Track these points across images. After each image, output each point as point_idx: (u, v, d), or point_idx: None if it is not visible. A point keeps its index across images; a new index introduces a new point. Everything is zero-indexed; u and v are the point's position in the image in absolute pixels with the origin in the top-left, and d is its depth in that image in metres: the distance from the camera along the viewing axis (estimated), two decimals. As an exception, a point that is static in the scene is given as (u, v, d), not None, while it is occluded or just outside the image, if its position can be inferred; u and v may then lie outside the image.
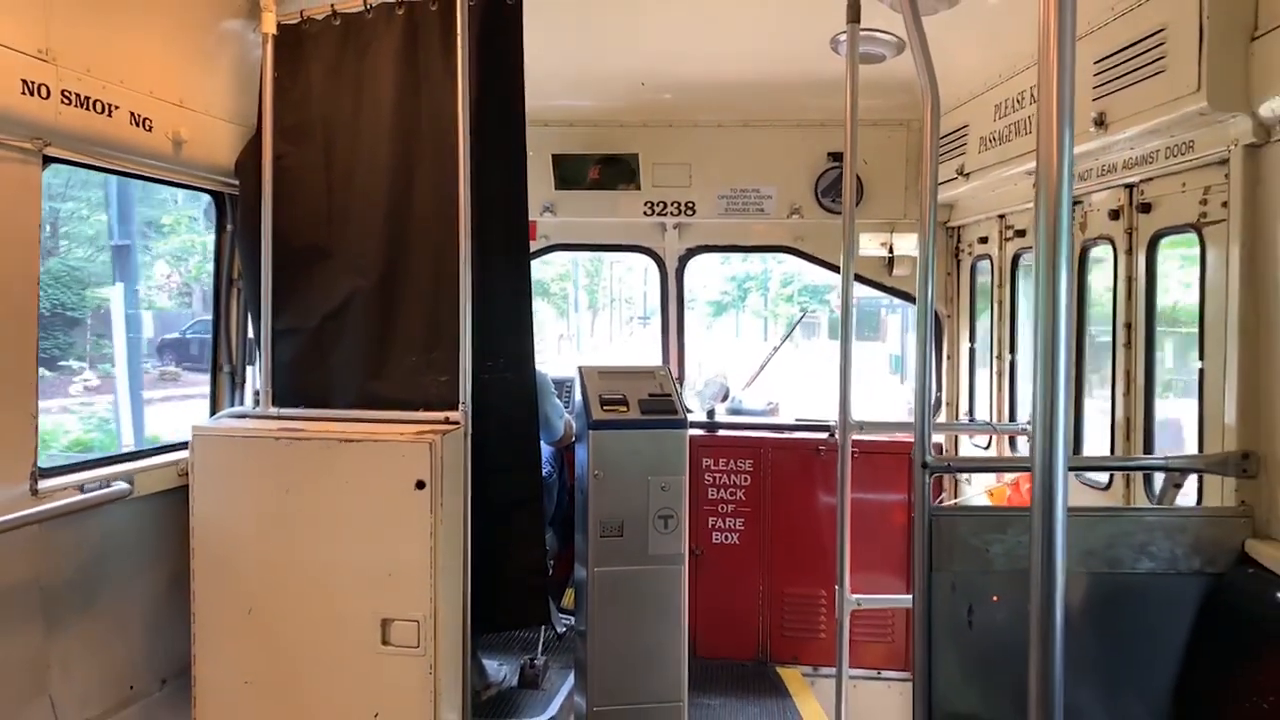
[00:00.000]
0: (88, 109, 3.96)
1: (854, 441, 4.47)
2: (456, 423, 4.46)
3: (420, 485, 4.20)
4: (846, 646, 4.40)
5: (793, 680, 6.36)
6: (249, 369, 5.36)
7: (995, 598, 3.43)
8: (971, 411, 6.42)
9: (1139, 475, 4.17)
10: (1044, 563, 1.77)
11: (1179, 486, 3.59)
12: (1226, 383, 3.44)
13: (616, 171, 6.78)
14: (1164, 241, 4.08)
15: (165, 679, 4.70)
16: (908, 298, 6.94)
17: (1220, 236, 3.53)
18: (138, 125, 4.25)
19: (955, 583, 3.42)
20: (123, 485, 4.29)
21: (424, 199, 4.76)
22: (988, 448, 6.05)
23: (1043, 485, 1.78)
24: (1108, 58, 3.84)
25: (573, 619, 5.80)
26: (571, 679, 5.72)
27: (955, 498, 6.00)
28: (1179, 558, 3.36)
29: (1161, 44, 3.55)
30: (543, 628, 5.92)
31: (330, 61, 4.89)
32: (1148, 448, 4.15)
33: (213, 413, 5.26)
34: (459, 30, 4.45)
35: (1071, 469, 4.57)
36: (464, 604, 4.51)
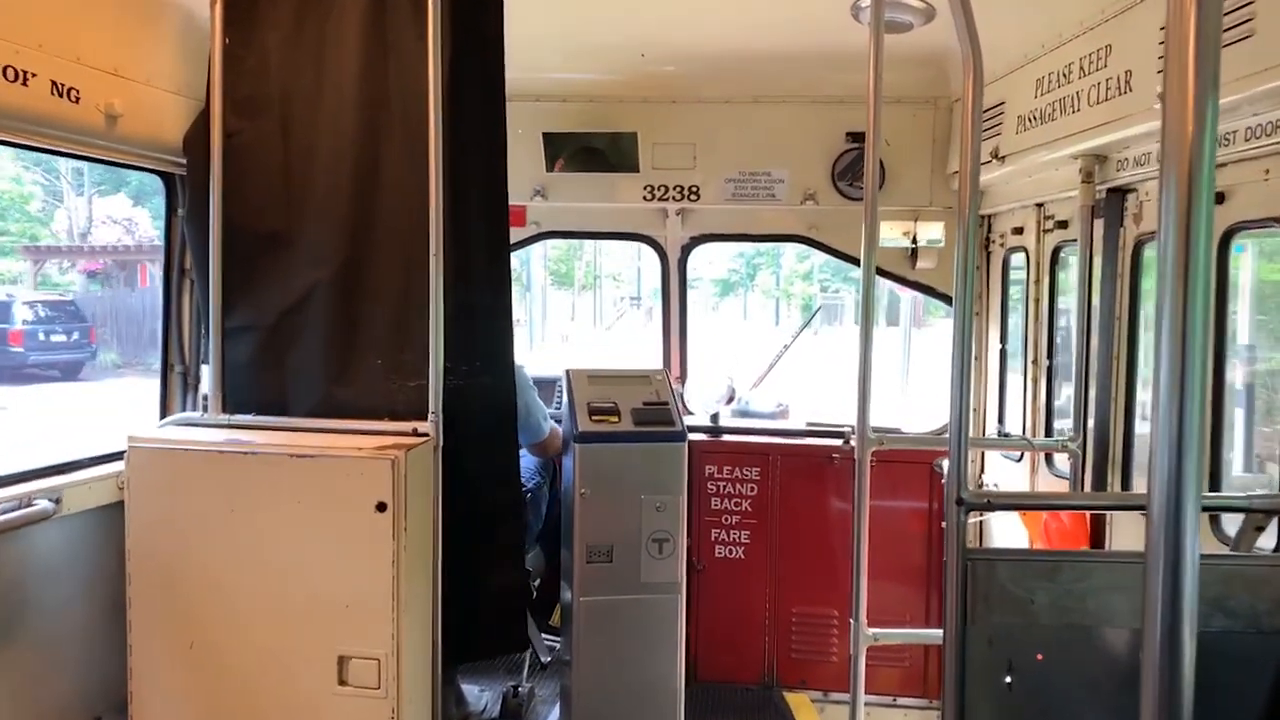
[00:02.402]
0: None
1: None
2: (425, 435, 3.99)
3: (381, 508, 3.74)
4: (862, 684, 3.91)
5: (801, 707, 5.89)
6: (204, 369, 4.88)
7: (1039, 656, 2.92)
8: (1001, 419, 5.89)
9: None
10: (1167, 634, 1.34)
11: (1261, 529, 3.06)
12: None
13: (598, 155, 6.22)
14: (1239, 237, 3.54)
15: (100, 717, 4.24)
16: (932, 293, 6.40)
17: None
18: (60, 95, 3.74)
19: (992, 637, 2.92)
20: (45, 504, 3.82)
21: (392, 182, 4.28)
22: (1020, 460, 5.53)
23: (1167, 534, 1.33)
24: None
25: (560, 640, 5.34)
26: (558, 710, 5.25)
27: (980, 517, 5.48)
28: (1261, 614, 2.84)
29: (1247, 4, 3.00)
30: (529, 650, 5.45)
31: (288, 27, 4.36)
32: (1215, 478, 3.62)
33: (163, 416, 4.79)
34: None
35: (1126, 508, 4.06)
36: (433, 638, 4.05)
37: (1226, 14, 3.08)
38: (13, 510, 3.71)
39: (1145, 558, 1.35)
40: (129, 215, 29.20)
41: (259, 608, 3.88)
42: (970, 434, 5.91)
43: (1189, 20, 1.25)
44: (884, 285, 7.04)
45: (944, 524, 3.03)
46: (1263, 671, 2.85)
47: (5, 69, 3.48)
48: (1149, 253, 4.13)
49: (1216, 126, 1.27)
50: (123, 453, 4.07)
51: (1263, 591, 2.84)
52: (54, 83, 3.71)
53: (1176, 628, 1.33)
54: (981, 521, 5.61)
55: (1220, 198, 3.52)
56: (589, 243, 33.72)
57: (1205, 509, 3.72)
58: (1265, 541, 3.23)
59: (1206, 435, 1.32)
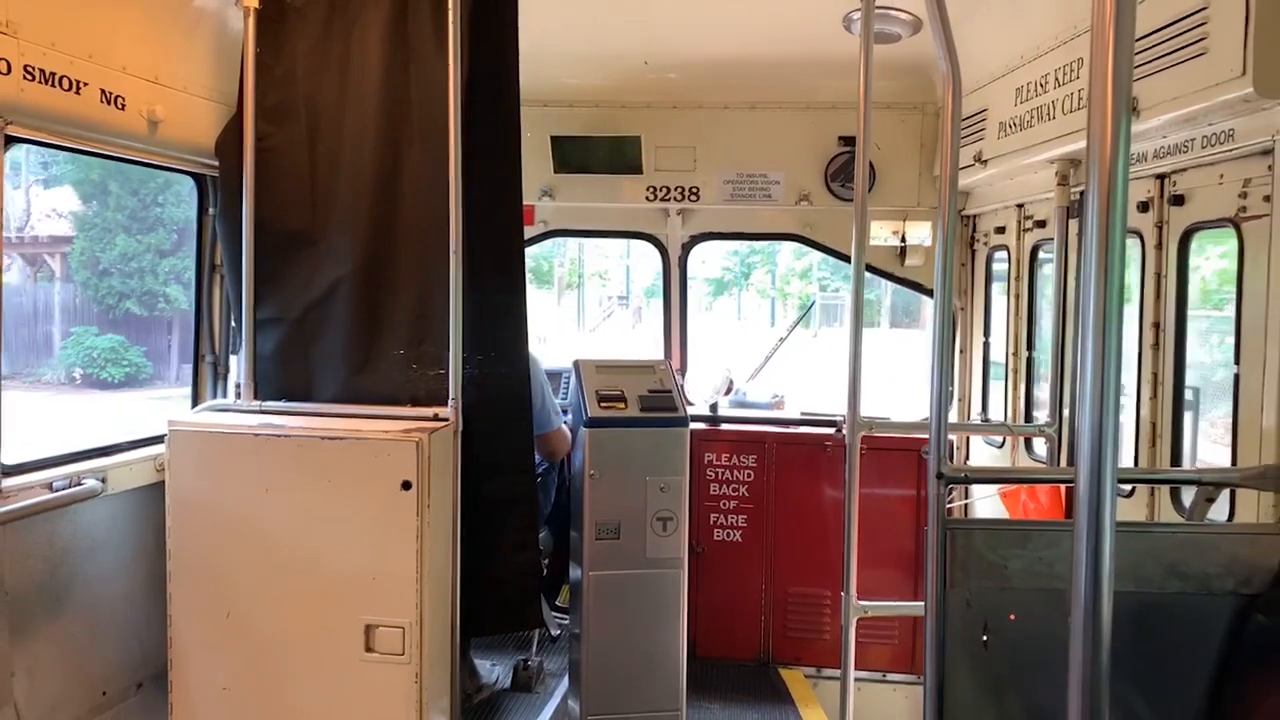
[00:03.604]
0: (53, 85, 3.73)
1: (861, 438, 4.25)
2: (446, 419, 4.27)
3: (406, 486, 4.02)
4: (852, 654, 4.20)
5: (795, 682, 6.17)
6: (232, 359, 5.16)
7: (1012, 616, 3.21)
8: (985, 409, 6.19)
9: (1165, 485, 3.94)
10: (1090, 587, 1.59)
11: (1211, 500, 3.35)
12: (1265, 390, 3.21)
13: (603, 157, 6.50)
14: (1197, 236, 3.84)
15: (141, 682, 4.52)
16: (919, 289, 6.70)
17: (1261, 232, 3.29)
18: (109, 103, 4.02)
19: (970, 600, 3.21)
20: (94, 483, 4.09)
21: (413, 183, 4.56)
22: (1001, 446, 5.83)
23: (1090, 502, 1.58)
24: (1143, 38, 3.58)
25: (568, 618, 5.62)
26: (566, 682, 5.54)
27: (965, 497, 5.77)
28: (1211, 577, 3.13)
29: (1203, 24, 3.29)
30: (539, 626, 5.73)
31: (315, 37, 4.66)
32: (1175, 456, 3.92)
33: (194, 404, 5.06)
34: (451, 4, 4.22)
35: (1061, 480, 4.34)
36: (452, 610, 4.33)
37: (1186, 33, 3.38)
38: (65, 489, 3.98)
39: (1074, 524, 1.61)
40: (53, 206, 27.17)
41: (292, 580, 4.15)
42: (956, 421, 6.22)
43: (1107, 55, 1.53)
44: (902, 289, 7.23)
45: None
46: (1212, 630, 3.13)
47: (61, 79, 3.76)
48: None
49: (1130, 145, 1.54)
50: (162, 436, 4.35)
51: (1212, 557, 3.13)
52: (103, 91, 3.98)
53: (1098, 582, 1.57)
54: (967, 505, 5.91)
55: (1180, 200, 3.82)
56: (572, 239, 32.77)
57: (1122, 481, 4.05)
58: (1218, 513, 3.53)
59: (1119, 416, 1.55)
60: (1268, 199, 3.24)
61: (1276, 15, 3.01)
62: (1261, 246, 3.28)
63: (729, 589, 6.36)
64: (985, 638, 3.21)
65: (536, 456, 5.33)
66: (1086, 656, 1.61)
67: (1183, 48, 3.38)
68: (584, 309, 38.20)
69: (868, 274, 6.68)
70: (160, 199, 22.89)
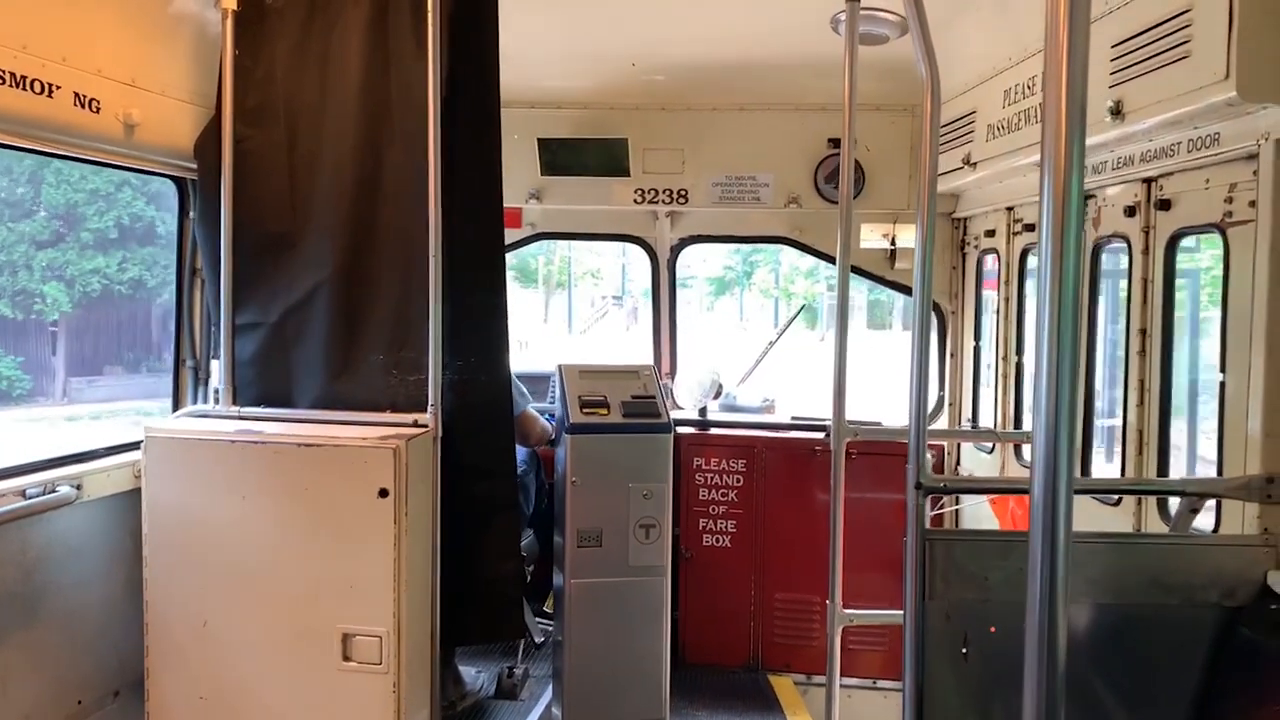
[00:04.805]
0: (23, 89, 3.68)
1: (851, 442, 4.20)
2: (425, 426, 4.23)
3: (384, 493, 3.98)
4: (838, 662, 4.15)
5: (784, 690, 6.12)
6: (213, 364, 5.12)
7: (993, 629, 3.16)
8: (975, 414, 6.13)
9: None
10: (1044, 598, 1.53)
11: (1196, 511, 3.30)
12: (1250, 398, 3.15)
13: (591, 160, 6.43)
14: (1184, 242, 3.78)
15: (118, 691, 4.48)
16: (909, 292, 6.64)
17: (1246, 238, 3.24)
18: (83, 106, 3.97)
19: (950, 612, 3.16)
20: (68, 490, 4.05)
21: (393, 186, 4.53)
22: (991, 451, 5.77)
23: (1044, 511, 1.52)
24: (1126, 41, 3.54)
25: (553, 624, 5.57)
26: (551, 690, 5.49)
27: (956, 504, 5.72)
28: (1195, 589, 3.08)
29: (1186, 27, 3.24)
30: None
31: (295, 39, 4.62)
32: (1162, 464, 3.87)
33: (175, 409, 5.02)
34: (431, 6, 4.18)
35: (1077, 492, 4.28)
36: (432, 618, 4.29)
37: (1169, 35, 3.33)
38: (38, 496, 3.94)
39: (1030, 534, 1.56)
40: None
41: (268, 588, 4.12)
42: (946, 426, 6.17)
43: (1060, 68, 1.48)
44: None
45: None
46: (1196, 643, 3.08)
47: (32, 82, 3.71)
48: (1106, 255, 4.37)
49: (1084, 156, 1.49)
50: (139, 443, 4.31)
51: (1196, 569, 3.08)
52: (76, 94, 3.93)
53: (1053, 594, 1.50)
54: (957, 511, 5.86)
55: (1166, 205, 3.77)
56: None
57: (1106, 491, 4.00)
58: (1205, 524, 3.48)
59: (1079, 424, 1.50)
60: (1253, 204, 3.18)
61: (1260, 18, 2.96)
62: (1247, 252, 3.22)
63: (718, 595, 6.31)
64: (965, 650, 3.16)
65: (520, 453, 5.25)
66: (1041, 673, 1.56)
67: (1167, 50, 3.33)
68: (574, 310, 37.65)
69: (870, 276, 6.68)
70: (37, 178, 18.86)
